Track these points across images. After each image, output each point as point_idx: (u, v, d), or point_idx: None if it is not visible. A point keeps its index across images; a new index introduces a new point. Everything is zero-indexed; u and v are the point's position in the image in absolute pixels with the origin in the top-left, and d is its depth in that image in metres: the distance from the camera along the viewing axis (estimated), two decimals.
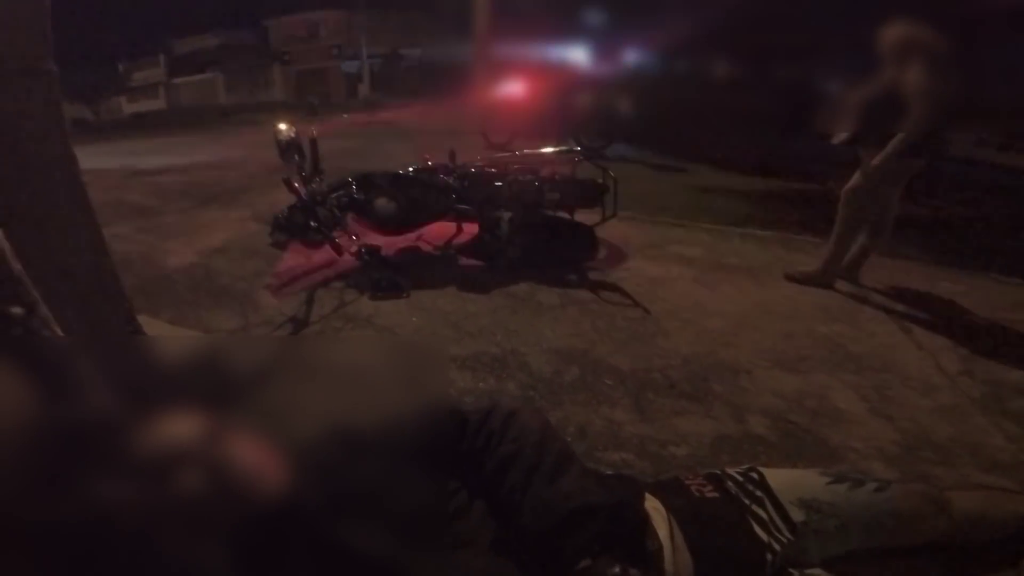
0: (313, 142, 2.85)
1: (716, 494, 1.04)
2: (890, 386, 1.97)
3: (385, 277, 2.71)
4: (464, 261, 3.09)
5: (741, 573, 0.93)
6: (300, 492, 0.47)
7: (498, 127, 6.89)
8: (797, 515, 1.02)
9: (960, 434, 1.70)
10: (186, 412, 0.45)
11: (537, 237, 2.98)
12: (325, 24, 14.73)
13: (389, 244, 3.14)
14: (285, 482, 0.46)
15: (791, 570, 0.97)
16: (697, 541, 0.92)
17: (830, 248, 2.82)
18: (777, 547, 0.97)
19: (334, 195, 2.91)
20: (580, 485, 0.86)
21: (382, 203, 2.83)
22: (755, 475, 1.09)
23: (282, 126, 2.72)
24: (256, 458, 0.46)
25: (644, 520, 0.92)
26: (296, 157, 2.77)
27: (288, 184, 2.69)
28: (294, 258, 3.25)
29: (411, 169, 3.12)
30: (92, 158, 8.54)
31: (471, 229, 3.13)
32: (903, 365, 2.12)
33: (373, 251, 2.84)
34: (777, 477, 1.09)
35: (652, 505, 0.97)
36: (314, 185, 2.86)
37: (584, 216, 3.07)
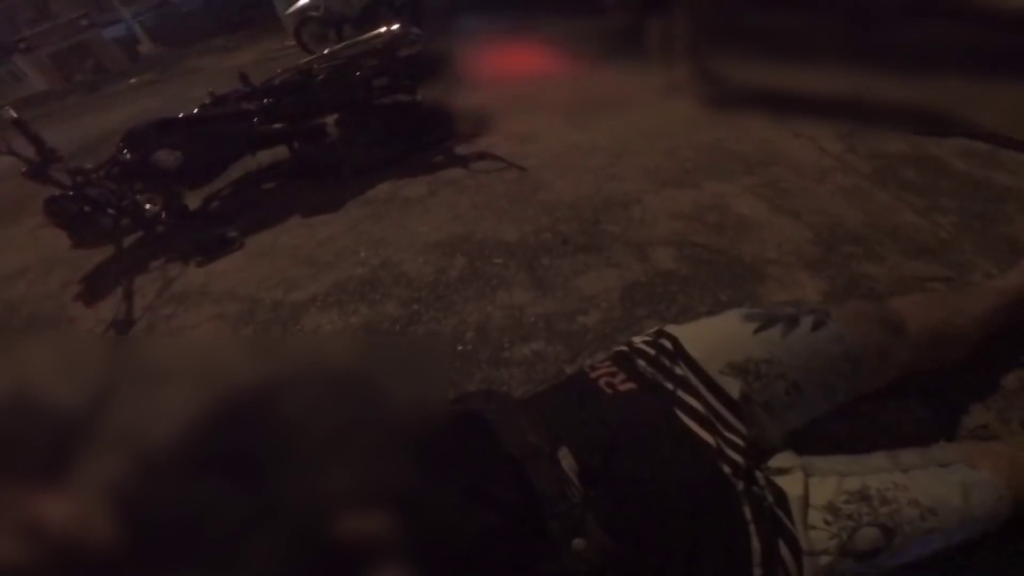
0: (19, 123, 1.92)
1: (632, 384, 0.65)
2: (783, 179, 1.66)
3: (207, 235, 1.98)
4: (304, 184, 2.38)
5: (699, 507, 0.55)
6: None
7: (313, 30, 5.50)
8: (733, 388, 0.65)
9: (871, 217, 1.43)
10: None
11: (381, 131, 2.32)
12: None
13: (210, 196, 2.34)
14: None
15: (757, 474, 0.62)
16: (620, 479, 0.54)
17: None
18: (731, 453, 0.61)
19: (102, 168, 2.05)
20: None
21: (162, 156, 2.01)
22: (667, 342, 0.70)
23: None
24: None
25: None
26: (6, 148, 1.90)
27: (34, 176, 1.92)
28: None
29: (195, 109, 2.24)
30: None
31: None
32: (789, 155, 1.81)
33: (178, 210, 2.06)
34: (694, 338, 0.70)
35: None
36: (71, 164, 2.01)
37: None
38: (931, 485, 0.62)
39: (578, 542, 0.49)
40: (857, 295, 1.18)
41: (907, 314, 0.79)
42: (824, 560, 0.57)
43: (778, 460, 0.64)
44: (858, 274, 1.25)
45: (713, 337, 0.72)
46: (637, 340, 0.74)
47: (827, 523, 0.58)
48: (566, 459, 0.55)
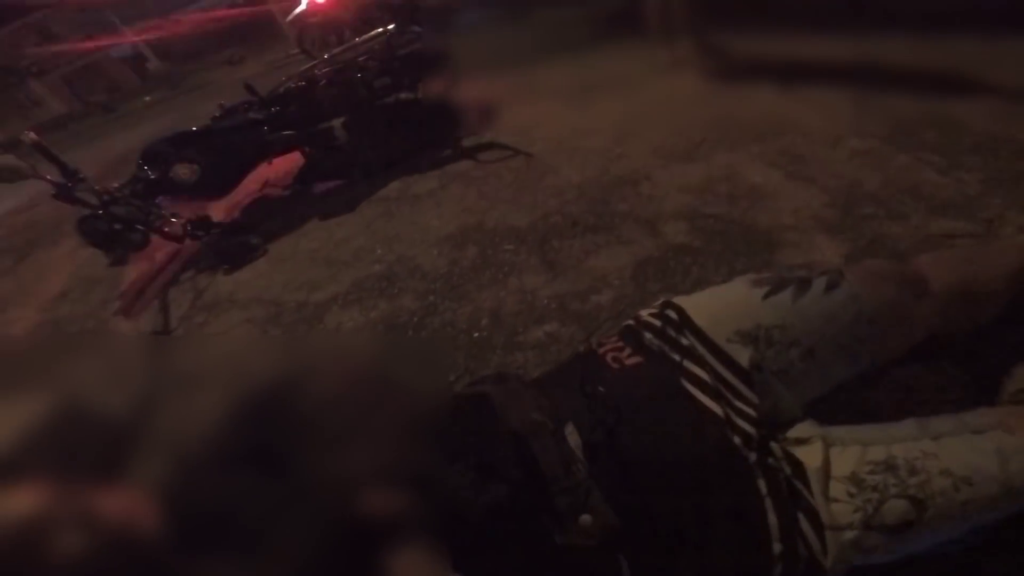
0: (38, 145, 2.00)
1: (638, 358, 0.64)
2: (796, 146, 1.60)
3: (231, 244, 2.05)
4: (319, 188, 2.43)
5: (707, 479, 0.54)
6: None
7: (314, 36, 5.55)
8: (742, 356, 0.62)
9: (890, 178, 1.36)
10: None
11: (386, 130, 2.34)
12: (55, 21, 10.69)
13: (231, 207, 2.43)
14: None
15: (773, 445, 0.58)
16: (625, 453, 0.54)
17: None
18: (741, 423, 0.58)
19: (127, 186, 2.13)
20: None
21: (180, 170, 2.07)
22: (672, 313, 0.68)
23: None
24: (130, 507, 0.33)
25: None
26: (28, 171, 1.98)
27: (62, 197, 1.98)
28: (137, 269, 2.49)
29: (210, 121, 2.31)
30: None
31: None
32: (800, 123, 1.73)
33: (203, 223, 2.14)
34: (701, 307, 0.68)
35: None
36: (95, 184, 2.09)
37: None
38: (964, 453, 0.57)
39: (585, 518, 0.49)
40: (880, 255, 1.13)
41: (929, 271, 0.73)
42: (849, 535, 0.53)
43: (796, 431, 0.61)
44: (880, 235, 1.20)
45: (720, 305, 0.69)
46: (644, 313, 0.73)
47: (851, 495, 0.54)
48: (572, 436, 0.55)
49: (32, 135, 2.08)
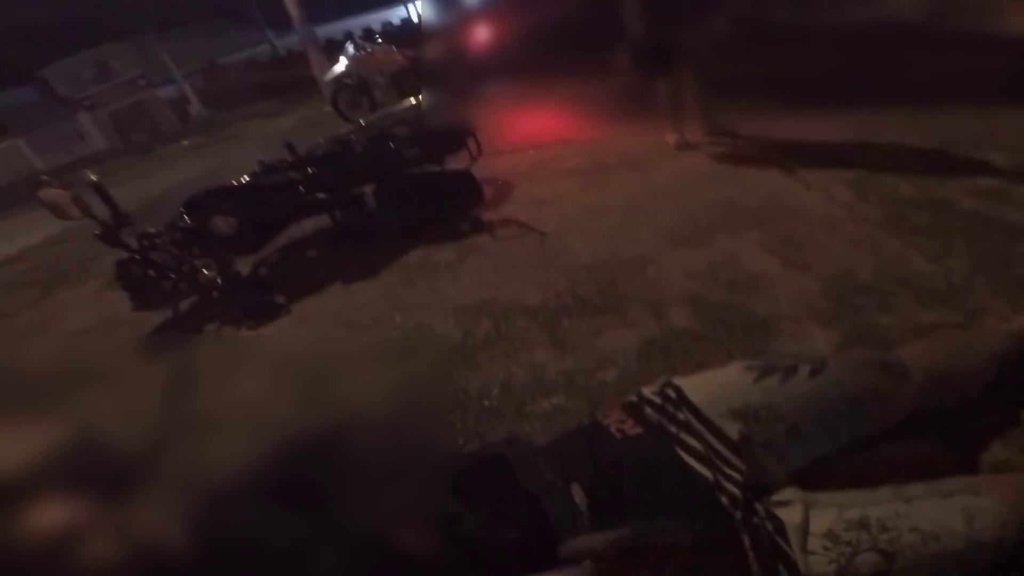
0: (98, 187, 2.17)
1: (639, 429, 0.73)
2: (794, 232, 1.73)
3: (257, 300, 2.18)
4: (344, 251, 2.59)
5: (697, 532, 0.62)
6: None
7: (348, 97, 5.99)
8: (732, 430, 0.71)
9: (882, 266, 1.47)
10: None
11: (412, 199, 2.53)
12: (114, 57, 11.50)
13: (260, 264, 2.59)
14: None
15: (757, 506, 0.66)
16: (626, 509, 0.62)
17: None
18: (729, 486, 0.66)
19: (165, 233, 2.28)
20: None
21: (218, 222, 2.22)
22: (671, 391, 0.77)
23: (42, 191, 2.06)
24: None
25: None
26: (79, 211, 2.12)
27: (106, 239, 2.09)
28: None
29: (245, 177, 2.49)
30: None
31: None
32: (799, 208, 1.88)
33: (232, 277, 2.28)
34: (697, 387, 0.77)
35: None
36: (139, 229, 2.24)
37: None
38: (933, 513, 0.64)
39: (587, 563, 0.56)
40: (869, 345, 1.20)
41: (910, 359, 0.83)
42: None
43: (780, 495, 0.68)
44: (870, 325, 1.28)
45: (715, 386, 0.78)
46: (646, 390, 0.81)
47: (826, 549, 0.61)
48: (578, 494, 0.63)
49: (91, 176, 2.23)
